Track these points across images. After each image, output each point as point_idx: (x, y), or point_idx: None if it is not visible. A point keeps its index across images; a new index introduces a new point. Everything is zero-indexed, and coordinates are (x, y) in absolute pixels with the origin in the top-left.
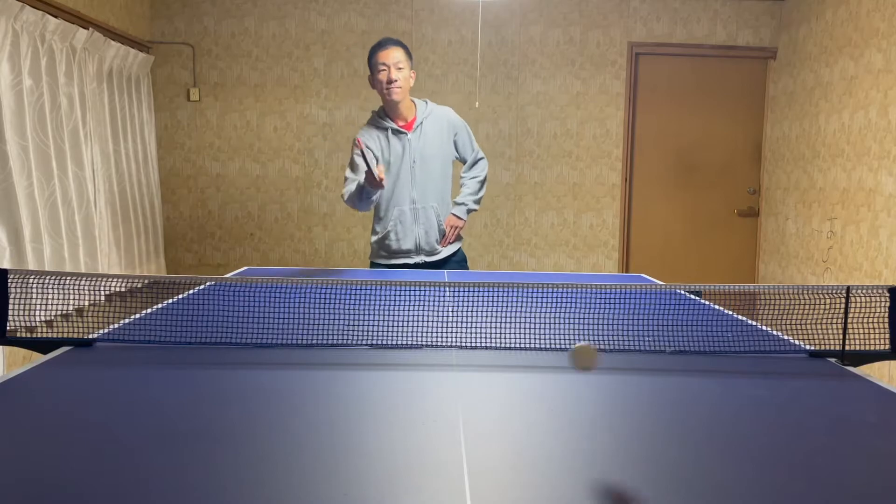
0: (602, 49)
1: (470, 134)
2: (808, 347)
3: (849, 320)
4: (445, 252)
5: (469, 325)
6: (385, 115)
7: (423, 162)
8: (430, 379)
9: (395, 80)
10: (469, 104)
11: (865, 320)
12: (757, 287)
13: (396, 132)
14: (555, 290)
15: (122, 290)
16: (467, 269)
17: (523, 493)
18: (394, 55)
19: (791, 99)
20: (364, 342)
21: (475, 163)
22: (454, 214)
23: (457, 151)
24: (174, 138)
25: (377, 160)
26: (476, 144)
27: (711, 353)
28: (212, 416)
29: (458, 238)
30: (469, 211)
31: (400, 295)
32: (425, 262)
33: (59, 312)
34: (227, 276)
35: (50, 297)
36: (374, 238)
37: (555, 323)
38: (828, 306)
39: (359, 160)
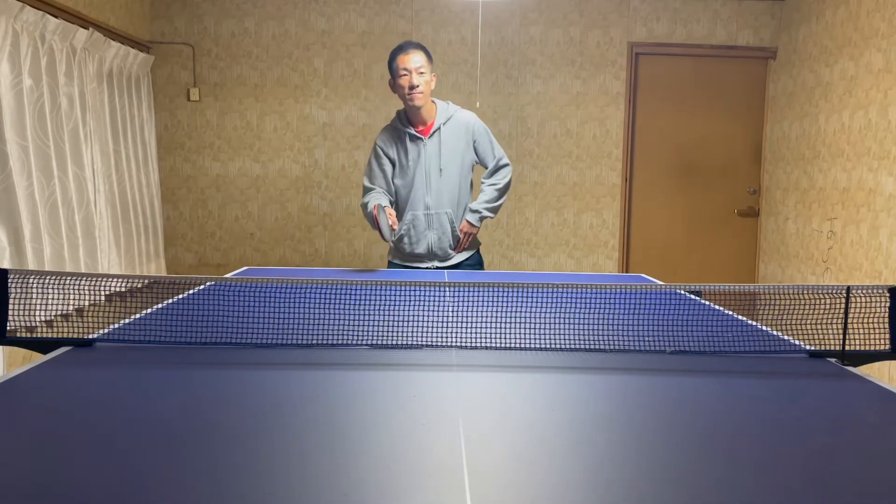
0: (602, 49)
1: (492, 140)
2: (808, 347)
3: (849, 320)
4: (459, 257)
5: (469, 325)
6: (405, 119)
7: (439, 168)
8: (430, 379)
9: (417, 86)
10: (469, 104)
11: (865, 320)
12: (757, 287)
13: (413, 137)
14: (555, 290)
15: (122, 290)
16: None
17: (523, 494)
18: (415, 59)
19: (791, 99)
20: (364, 342)
21: (497, 170)
22: (467, 221)
23: (477, 157)
24: (174, 138)
25: (392, 226)
26: (500, 150)
27: (711, 353)
28: (211, 416)
29: (476, 243)
30: (482, 218)
31: (400, 295)
32: (438, 267)
33: (59, 312)
34: (227, 276)
35: (50, 297)
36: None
37: (555, 323)
38: (828, 306)
39: (376, 170)
